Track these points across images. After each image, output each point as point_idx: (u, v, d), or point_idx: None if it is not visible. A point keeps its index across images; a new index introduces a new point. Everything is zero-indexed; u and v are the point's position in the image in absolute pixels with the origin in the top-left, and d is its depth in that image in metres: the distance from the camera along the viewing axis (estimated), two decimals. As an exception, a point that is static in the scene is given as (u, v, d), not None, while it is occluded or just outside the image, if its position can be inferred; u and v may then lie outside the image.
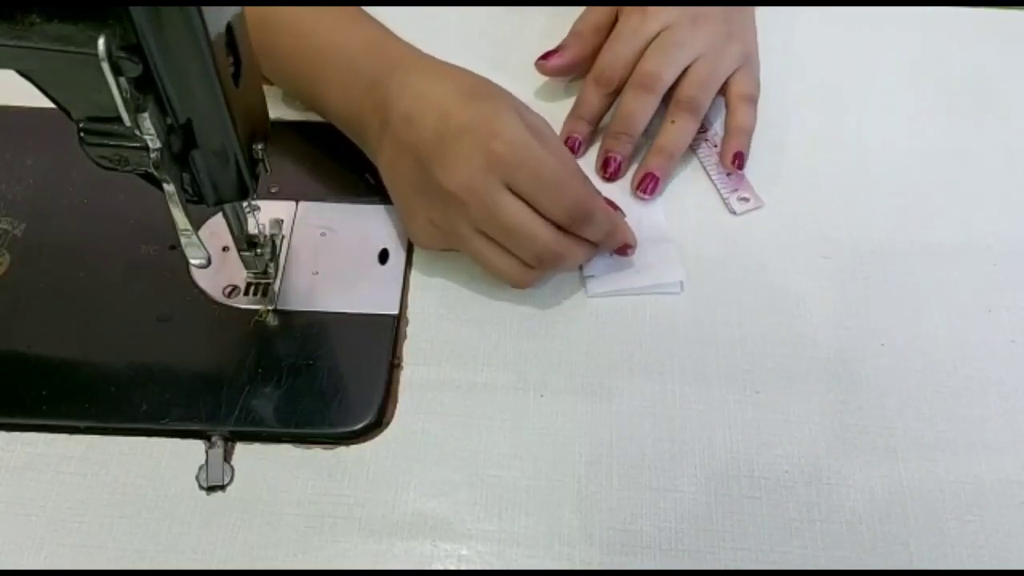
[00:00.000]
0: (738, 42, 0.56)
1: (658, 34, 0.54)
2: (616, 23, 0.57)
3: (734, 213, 0.55)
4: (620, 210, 0.52)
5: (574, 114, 0.56)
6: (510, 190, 0.46)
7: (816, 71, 0.60)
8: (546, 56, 0.58)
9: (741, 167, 0.55)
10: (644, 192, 0.54)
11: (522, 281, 0.49)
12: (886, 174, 0.57)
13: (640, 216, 0.54)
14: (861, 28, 0.64)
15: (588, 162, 0.56)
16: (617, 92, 0.55)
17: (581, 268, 0.52)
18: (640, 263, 0.52)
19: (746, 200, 0.55)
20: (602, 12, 0.58)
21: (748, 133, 0.56)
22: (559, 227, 0.47)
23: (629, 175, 0.56)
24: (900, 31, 0.64)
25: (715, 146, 0.57)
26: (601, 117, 0.57)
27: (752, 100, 0.56)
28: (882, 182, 0.57)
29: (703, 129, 0.57)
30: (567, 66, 0.58)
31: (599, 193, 0.49)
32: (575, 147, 0.56)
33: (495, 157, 0.45)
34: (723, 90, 0.56)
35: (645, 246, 0.52)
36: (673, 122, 0.54)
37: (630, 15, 0.55)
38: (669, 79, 0.54)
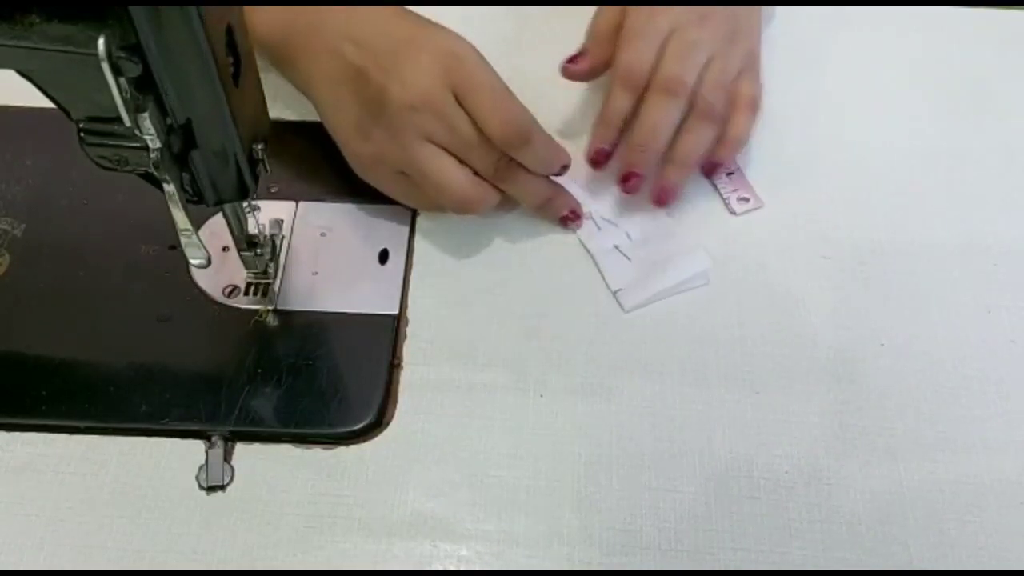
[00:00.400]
0: (744, 40, 0.55)
1: (669, 33, 0.53)
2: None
3: (734, 213, 0.55)
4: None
5: (603, 122, 0.54)
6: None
7: (816, 71, 0.60)
8: (573, 60, 0.56)
9: (710, 176, 0.55)
10: (661, 204, 0.53)
11: (470, 195, 0.48)
12: (886, 174, 0.57)
13: (641, 221, 0.54)
14: (861, 28, 0.64)
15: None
16: (638, 91, 0.53)
17: (608, 284, 0.52)
18: (663, 262, 0.52)
19: (746, 200, 0.55)
20: (614, 13, 0.56)
21: (741, 144, 0.54)
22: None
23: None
24: (900, 31, 0.64)
25: None
26: (629, 118, 0.54)
27: (755, 105, 0.55)
28: (882, 182, 0.57)
29: None
30: (589, 70, 0.56)
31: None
32: (602, 159, 0.54)
33: (451, 73, 0.46)
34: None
35: (659, 245, 0.53)
36: (690, 131, 0.53)
37: (638, 13, 0.54)
38: (691, 81, 0.52)
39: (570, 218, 0.53)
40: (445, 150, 0.48)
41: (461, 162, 0.48)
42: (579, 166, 0.55)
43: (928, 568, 0.44)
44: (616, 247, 0.53)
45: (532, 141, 0.48)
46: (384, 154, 0.49)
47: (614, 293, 0.51)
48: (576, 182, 0.55)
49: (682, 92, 0.52)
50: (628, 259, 0.52)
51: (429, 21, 0.49)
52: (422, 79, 0.46)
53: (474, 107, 0.47)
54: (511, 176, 0.49)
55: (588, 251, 0.53)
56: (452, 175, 0.48)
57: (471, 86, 0.46)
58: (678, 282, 0.51)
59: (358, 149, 0.50)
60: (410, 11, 0.50)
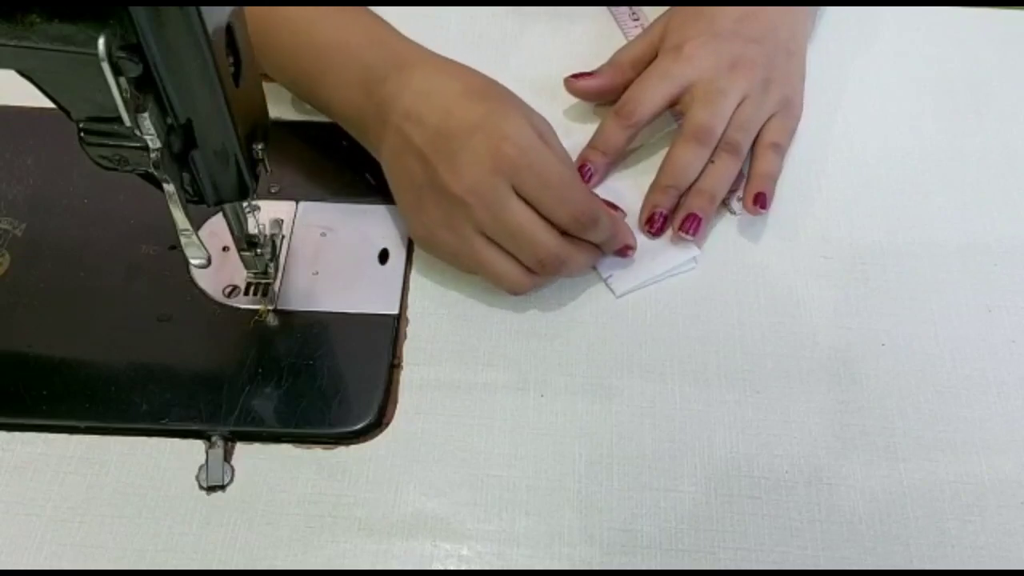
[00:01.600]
0: (778, 87, 0.55)
1: (692, 82, 0.54)
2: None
3: (734, 213, 0.55)
4: (621, 210, 0.53)
5: (591, 144, 0.55)
6: (517, 194, 0.46)
7: (816, 71, 0.60)
8: (578, 76, 0.57)
9: (764, 207, 0.53)
10: (687, 233, 0.52)
11: (521, 286, 0.49)
12: (886, 174, 0.57)
13: (636, 208, 0.54)
14: (861, 28, 0.64)
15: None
16: (636, 128, 0.54)
17: (598, 271, 0.52)
18: (653, 250, 0.53)
19: (742, 199, 0.55)
20: (643, 47, 0.57)
21: (772, 178, 0.54)
22: (563, 232, 0.47)
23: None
24: (900, 31, 0.64)
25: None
26: (619, 152, 0.55)
27: (779, 149, 0.55)
28: (882, 182, 0.57)
29: None
30: (596, 90, 0.57)
31: (599, 198, 0.51)
32: (588, 176, 0.55)
33: (505, 159, 0.45)
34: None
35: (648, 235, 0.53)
36: (713, 162, 0.53)
37: (665, 55, 0.55)
38: (720, 131, 0.53)
39: (623, 253, 0.52)
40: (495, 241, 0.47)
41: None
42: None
43: (928, 568, 0.44)
44: None
45: (599, 222, 0.48)
46: (440, 236, 0.49)
47: (605, 280, 0.52)
48: None
49: (710, 140, 0.53)
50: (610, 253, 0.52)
51: (499, 93, 0.48)
52: (473, 169, 0.45)
53: (535, 199, 0.46)
54: (557, 269, 0.48)
55: None
56: (497, 267, 0.48)
57: (528, 177, 0.45)
58: (667, 268, 0.52)
59: (416, 226, 0.50)
60: (484, 82, 0.48)
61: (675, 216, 0.53)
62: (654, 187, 0.54)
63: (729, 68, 0.54)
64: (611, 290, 0.52)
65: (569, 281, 0.52)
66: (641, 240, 0.53)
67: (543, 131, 0.48)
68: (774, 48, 0.55)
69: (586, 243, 0.49)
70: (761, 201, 0.53)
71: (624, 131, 0.54)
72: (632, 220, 0.54)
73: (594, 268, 0.52)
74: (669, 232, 0.53)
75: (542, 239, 0.47)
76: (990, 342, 0.51)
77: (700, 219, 0.52)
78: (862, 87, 0.61)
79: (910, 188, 0.56)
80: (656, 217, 0.53)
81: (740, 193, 0.55)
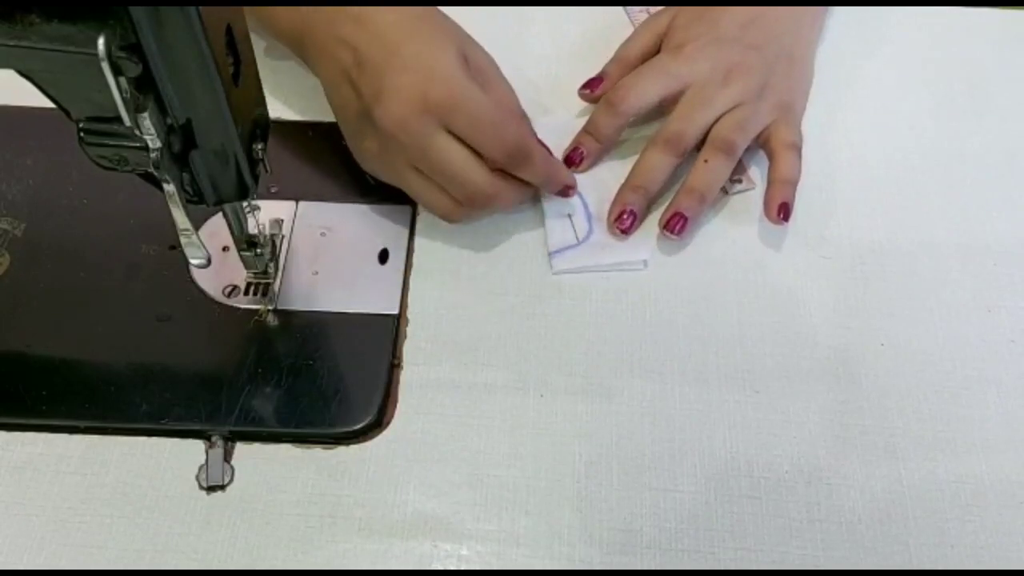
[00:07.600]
0: (773, 95, 0.54)
1: (687, 84, 0.53)
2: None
3: (725, 192, 0.55)
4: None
5: (584, 129, 0.55)
6: (448, 131, 0.46)
7: (816, 71, 0.60)
8: (589, 85, 0.57)
9: (787, 218, 0.53)
10: (672, 232, 0.52)
11: (452, 217, 0.50)
12: (886, 174, 0.57)
13: (603, 198, 0.54)
14: (861, 28, 0.64)
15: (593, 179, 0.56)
16: (625, 117, 0.54)
17: (547, 244, 0.52)
18: (605, 241, 0.53)
19: (739, 181, 0.55)
20: (649, 37, 0.57)
21: (792, 183, 0.53)
22: (496, 168, 0.48)
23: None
24: (900, 31, 0.64)
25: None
26: (610, 139, 0.55)
27: (795, 148, 0.54)
28: (882, 182, 0.57)
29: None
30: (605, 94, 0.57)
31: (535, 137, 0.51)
32: (579, 160, 0.55)
33: (432, 100, 0.45)
34: (765, 142, 0.55)
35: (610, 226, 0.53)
36: (706, 161, 0.53)
37: (666, 52, 0.55)
38: (692, 140, 0.53)
39: (564, 193, 0.53)
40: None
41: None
42: (561, 140, 0.56)
43: (928, 568, 0.44)
44: (568, 216, 0.53)
45: (532, 158, 0.48)
46: (377, 167, 0.50)
47: (549, 254, 0.52)
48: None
49: (681, 148, 0.53)
50: (573, 228, 0.53)
51: (439, 21, 0.48)
52: (400, 106, 0.45)
53: (466, 136, 0.46)
54: (487, 204, 0.49)
55: (542, 209, 0.53)
56: (428, 199, 0.50)
57: (457, 117, 0.46)
58: (615, 262, 0.52)
59: (358, 155, 0.51)
60: (425, 12, 0.48)
61: (663, 214, 0.53)
62: (624, 186, 0.54)
63: (725, 75, 0.53)
64: (550, 265, 0.52)
65: (569, 279, 0.52)
66: (599, 229, 0.53)
67: (481, 67, 0.48)
68: (776, 55, 0.55)
69: (518, 180, 0.49)
70: (784, 212, 0.53)
71: (613, 119, 0.54)
72: (599, 203, 0.54)
73: (545, 240, 0.52)
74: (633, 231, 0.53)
75: (471, 176, 0.47)
76: (990, 342, 0.51)
77: (687, 219, 0.52)
78: (862, 87, 0.61)
79: (910, 188, 0.56)
80: (626, 215, 0.52)
81: (734, 174, 0.55)
